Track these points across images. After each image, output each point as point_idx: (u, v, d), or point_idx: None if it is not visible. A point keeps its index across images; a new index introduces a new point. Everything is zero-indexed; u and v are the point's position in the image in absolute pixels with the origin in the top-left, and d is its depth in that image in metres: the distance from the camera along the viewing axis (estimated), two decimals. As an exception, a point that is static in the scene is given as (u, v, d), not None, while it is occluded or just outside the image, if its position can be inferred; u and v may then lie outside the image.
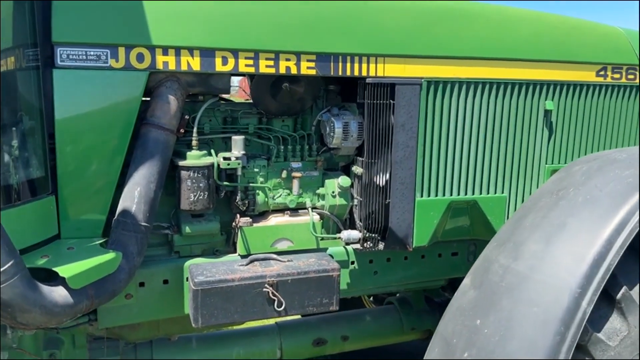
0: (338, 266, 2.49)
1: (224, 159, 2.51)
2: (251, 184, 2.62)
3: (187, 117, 2.46)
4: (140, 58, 2.30)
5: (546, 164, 2.93)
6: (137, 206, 2.30)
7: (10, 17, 2.08)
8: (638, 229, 1.91)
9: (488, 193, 2.83)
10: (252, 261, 2.46)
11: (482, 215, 2.82)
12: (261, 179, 2.64)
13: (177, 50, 2.33)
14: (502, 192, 2.85)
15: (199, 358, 2.95)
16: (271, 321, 3.19)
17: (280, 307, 2.36)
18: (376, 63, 2.56)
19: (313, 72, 2.50)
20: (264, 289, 2.33)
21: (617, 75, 3.00)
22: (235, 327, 3.18)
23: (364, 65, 2.55)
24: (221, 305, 2.29)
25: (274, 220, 2.67)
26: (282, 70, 2.46)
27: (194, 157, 2.46)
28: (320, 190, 2.73)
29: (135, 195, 2.30)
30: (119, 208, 2.30)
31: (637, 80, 3.05)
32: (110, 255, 2.16)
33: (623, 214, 1.93)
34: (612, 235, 1.90)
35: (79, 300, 2.04)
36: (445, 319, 2.18)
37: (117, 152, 2.32)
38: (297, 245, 2.68)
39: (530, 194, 2.91)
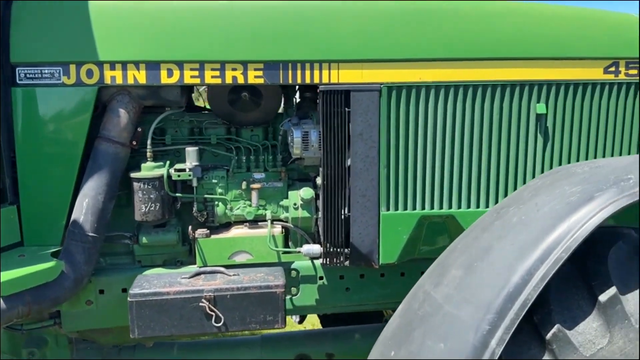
0: (283, 282, 2.38)
1: (177, 170, 2.52)
2: (209, 195, 2.60)
3: (139, 129, 2.50)
4: (89, 74, 2.39)
5: (542, 171, 2.58)
6: (85, 217, 2.38)
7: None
8: (564, 258, 1.61)
9: (468, 207, 2.55)
10: (197, 274, 2.44)
11: (462, 231, 2.55)
12: (220, 190, 2.61)
13: (124, 65, 2.38)
14: (486, 207, 2.55)
15: (179, 364, 2.99)
16: (259, 332, 3.15)
17: (219, 322, 2.31)
18: (329, 69, 2.42)
19: (261, 81, 2.42)
20: (201, 304, 2.30)
21: (634, 71, 2.55)
22: (219, 337, 3.18)
23: (316, 72, 2.42)
24: (157, 317, 2.30)
25: (233, 232, 2.64)
26: (229, 80, 2.41)
27: (147, 169, 2.50)
28: (284, 202, 2.65)
29: (83, 207, 2.39)
30: (71, 219, 2.40)
31: (663, 76, 2.58)
32: (50, 264, 2.27)
33: (550, 241, 1.64)
34: (533, 265, 1.63)
35: (12, 306, 2.16)
36: (373, 348, 2.01)
37: (71, 165, 2.43)
38: (257, 259, 2.61)
39: (522, 208, 2.58)
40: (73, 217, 2.39)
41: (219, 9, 2.40)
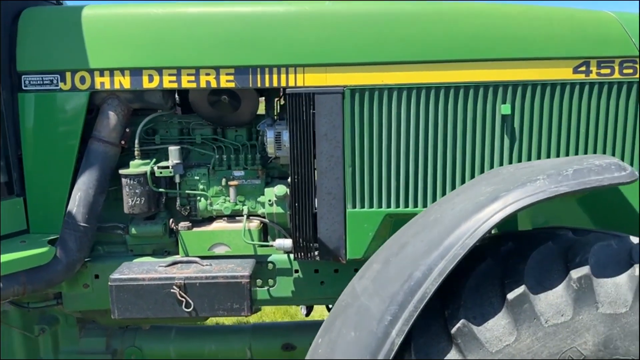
0: (249, 273, 2.55)
1: (160, 167, 2.74)
2: (190, 191, 2.81)
3: (127, 130, 2.75)
4: (82, 80, 2.66)
5: (508, 175, 2.58)
6: (77, 209, 2.66)
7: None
8: (462, 254, 1.67)
9: (433, 206, 2.60)
10: (174, 263, 2.66)
11: (427, 230, 2.61)
12: (202, 187, 2.82)
13: (111, 72, 2.64)
14: (452, 206, 2.58)
15: (175, 348, 3.23)
16: (252, 319, 3.34)
17: (189, 308, 2.52)
18: (295, 73, 2.56)
19: (232, 84, 2.59)
20: (172, 290, 2.51)
21: (606, 71, 2.50)
22: (213, 323, 3.40)
23: (283, 76, 2.56)
24: (134, 301, 2.53)
25: (213, 225, 2.83)
26: (203, 85, 2.61)
27: (133, 166, 2.74)
28: (261, 199, 2.81)
29: (76, 200, 2.67)
30: (66, 210, 2.69)
31: (638, 75, 2.50)
32: (44, 249, 2.56)
33: (451, 238, 1.72)
34: (433, 260, 1.71)
35: (9, 285, 2.46)
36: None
37: (67, 162, 2.71)
38: (234, 251, 2.79)
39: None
40: (68, 208, 2.67)
41: (193, 18, 2.60)
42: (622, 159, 2.55)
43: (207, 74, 2.59)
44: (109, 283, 2.55)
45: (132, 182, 2.70)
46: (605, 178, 1.73)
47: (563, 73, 2.49)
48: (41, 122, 2.71)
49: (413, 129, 2.56)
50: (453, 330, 1.73)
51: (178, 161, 2.74)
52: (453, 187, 2.57)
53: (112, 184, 2.78)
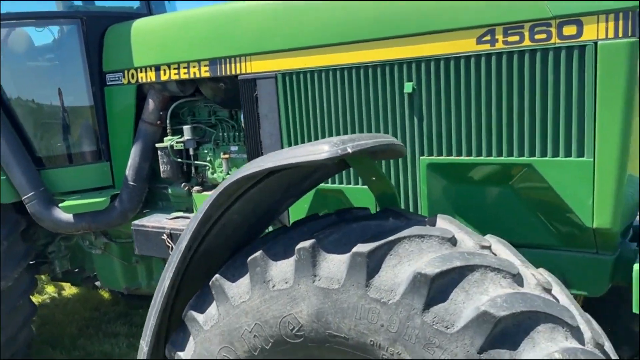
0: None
1: (178, 142, 3.47)
2: (198, 162, 3.47)
3: (161, 113, 3.55)
4: (132, 76, 3.58)
5: (422, 156, 2.48)
6: (129, 172, 3.61)
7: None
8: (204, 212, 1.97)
9: (349, 184, 2.70)
10: (176, 217, 3.38)
11: (348, 205, 2.71)
12: (208, 159, 3.45)
13: (144, 69, 3.48)
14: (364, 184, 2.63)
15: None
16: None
17: (173, 252, 3.21)
18: (245, 62, 2.95)
19: (208, 74, 3.14)
20: (162, 237, 3.25)
21: (514, 38, 2.17)
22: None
23: (238, 65, 2.99)
24: (144, 242, 3.35)
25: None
26: (192, 75, 3.22)
27: (164, 141, 3.54)
28: (247, 170, 3.29)
29: (129, 166, 3.62)
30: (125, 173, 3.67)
31: (554, 40, 2.10)
32: (101, 199, 3.59)
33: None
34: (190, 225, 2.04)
35: (77, 222, 3.56)
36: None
37: (129, 137, 3.68)
38: (227, 213, 3.35)
39: (404, 190, 2.58)
40: (125, 172, 3.65)
41: (183, 21, 3.24)
42: (534, 133, 2.21)
43: (194, 67, 3.20)
44: (131, 227, 3.42)
45: (161, 153, 3.51)
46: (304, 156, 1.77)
47: (466, 45, 2.28)
48: (116, 108, 3.73)
49: (333, 108, 2.69)
50: (210, 283, 2.01)
51: (189, 137, 3.43)
52: (382, 169, 2.62)
53: (155, 154, 3.64)
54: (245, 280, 1.94)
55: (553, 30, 2.10)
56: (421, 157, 2.48)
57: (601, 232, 2.16)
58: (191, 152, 3.46)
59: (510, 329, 1.56)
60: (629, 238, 2.47)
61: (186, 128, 3.43)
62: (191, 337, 2.08)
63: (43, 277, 5.38)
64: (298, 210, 2.88)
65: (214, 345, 2.00)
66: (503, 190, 2.37)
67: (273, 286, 1.86)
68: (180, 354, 2.10)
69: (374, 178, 2.24)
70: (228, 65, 3.04)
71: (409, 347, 1.62)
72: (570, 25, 2.07)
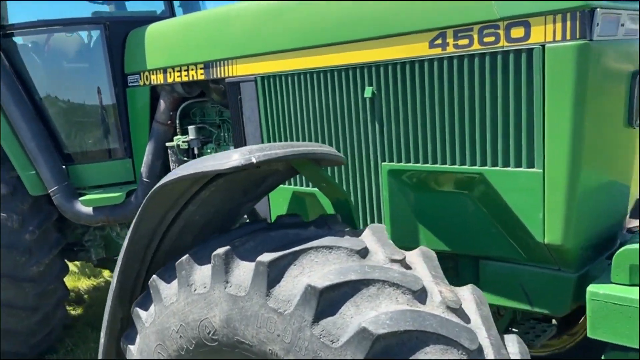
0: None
1: (184, 142, 3.62)
2: (203, 160, 3.59)
3: (171, 113, 3.72)
4: (146, 78, 3.77)
5: (383, 162, 2.43)
6: (143, 169, 3.83)
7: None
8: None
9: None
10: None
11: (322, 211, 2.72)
12: (211, 157, 3.57)
13: (154, 71, 3.66)
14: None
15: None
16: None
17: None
18: (231, 65, 3.02)
19: (203, 77, 3.25)
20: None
21: (464, 42, 2.07)
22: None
23: (226, 68, 3.07)
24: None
25: (217, 189, 3.55)
26: (190, 78, 3.34)
27: (173, 141, 3.71)
28: (243, 170, 3.38)
29: (143, 163, 3.83)
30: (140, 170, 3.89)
31: (502, 42, 1.98)
32: (118, 194, 3.83)
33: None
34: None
35: (96, 215, 3.83)
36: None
37: (146, 136, 3.89)
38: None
39: (368, 195, 2.56)
40: (141, 169, 3.86)
41: (181, 28, 3.36)
42: (484, 141, 2.10)
43: (192, 69, 3.32)
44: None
45: (170, 152, 3.69)
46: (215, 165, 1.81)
47: (419, 49, 2.20)
48: (137, 107, 3.95)
49: (305, 112, 2.70)
50: (149, 282, 2.11)
51: (194, 137, 3.57)
52: (347, 174, 2.61)
53: (167, 153, 3.82)
54: (175, 283, 2.02)
55: (501, 32, 1.98)
56: (383, 163, 2.43)
57: (554, 248, 2.02)
58: (196, 151, 3.60)
59: (393, 348, 1.52)
60: (606, 255, 2.28)
61: (191, 128, 3.57)
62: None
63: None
64: (279, 212, 2.92)
65: (151, 342, 2.10)
66: (463, 199, 2.27)
67: (194, 290, 1.92)
68: (131, 347, 2.23)
69: (324, 184, 2.24)
70: (218, 69, 3.13)
71: (299, 358, 1.63)
72: (518, 27, 1.94)
